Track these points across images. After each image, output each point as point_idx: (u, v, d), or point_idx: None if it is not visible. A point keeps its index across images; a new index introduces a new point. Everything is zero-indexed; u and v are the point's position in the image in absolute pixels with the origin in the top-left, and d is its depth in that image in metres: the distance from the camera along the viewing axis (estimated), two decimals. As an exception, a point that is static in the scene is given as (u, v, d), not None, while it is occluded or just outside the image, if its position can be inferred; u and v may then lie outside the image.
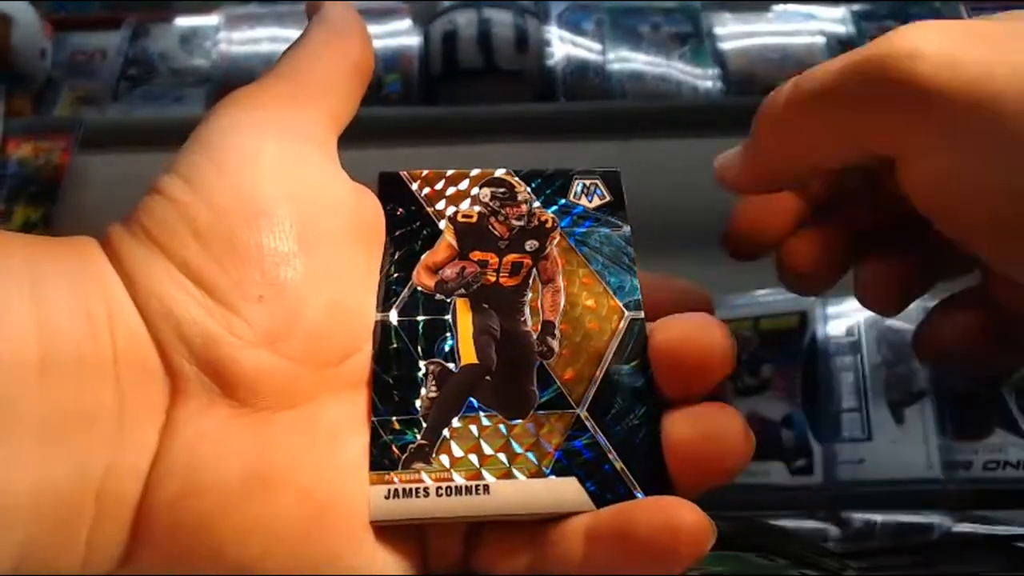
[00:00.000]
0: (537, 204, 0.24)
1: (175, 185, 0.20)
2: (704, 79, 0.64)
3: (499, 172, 0.24)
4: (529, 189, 0.24)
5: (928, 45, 0.19)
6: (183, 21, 0.70)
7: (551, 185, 0.24)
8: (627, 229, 0.24)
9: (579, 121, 0.59)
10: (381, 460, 0.20)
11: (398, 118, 0.62)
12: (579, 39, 0.67)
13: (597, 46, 0.66)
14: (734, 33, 0.67)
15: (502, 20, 0.65)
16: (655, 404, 0.21)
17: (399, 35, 0.68)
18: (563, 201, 0.24)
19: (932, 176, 0.20)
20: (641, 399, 0.21)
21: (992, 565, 0.25)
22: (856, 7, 0.67)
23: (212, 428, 0.19)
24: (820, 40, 0.65)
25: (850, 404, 0.41)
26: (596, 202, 0.24)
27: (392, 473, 0.19)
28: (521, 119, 0.59)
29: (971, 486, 0.38)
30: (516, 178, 0.24)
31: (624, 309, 0.22)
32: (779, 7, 0.68)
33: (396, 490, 0.19)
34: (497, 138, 0.56)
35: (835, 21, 0.67)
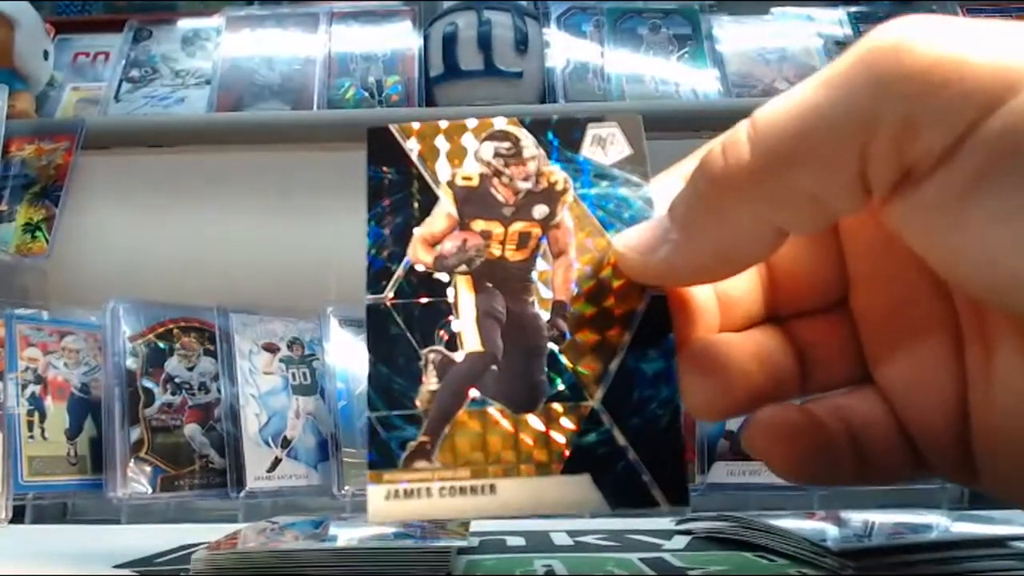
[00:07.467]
0: (546, 161, 0.21)
1: None
2: (703, 80, 0.65)
3: (501, 122, 0.21)
4: (536, 142, 0.21)
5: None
6: (185, 23, 0.70)
7: (561, 136, 0.21)
8: (647, 190, 0.20)
9: (579, 122, 0.59)
10: (380, 459, 0.19)
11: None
12: (579, 41, 0.67)
13: (597, 48, 0.67)
14: (732, 35, 0.67)
15: (502, 22, 0.65)
16: (677, 393, 0.19)
17: (400, 37, 0.68)
18: (576, 156, 0.21)
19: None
20: (662, 387, 0.19)
21: (990, 565, 0.25)
22: (853, 9, 0.67)
23: None
24: (818, 42, 0.66)
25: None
26: (613, 156, 0.21)
27: (392, 472, 0.18)
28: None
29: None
30: (522, 129, 0.21)
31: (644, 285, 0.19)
32: (777, 9, 0.68)
33: (396, 490, 0.18)
34: (497, 139, 0.56)
35: (832, 23, 0.67)
